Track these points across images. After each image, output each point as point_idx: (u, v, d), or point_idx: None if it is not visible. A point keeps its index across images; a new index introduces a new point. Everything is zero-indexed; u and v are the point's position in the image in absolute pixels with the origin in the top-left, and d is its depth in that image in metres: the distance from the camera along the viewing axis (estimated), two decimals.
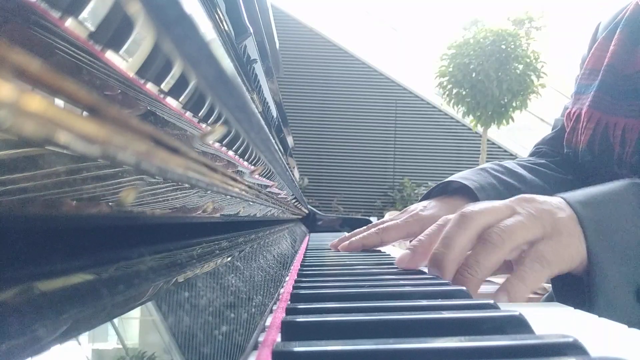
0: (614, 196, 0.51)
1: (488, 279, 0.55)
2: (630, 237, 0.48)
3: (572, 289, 0.51)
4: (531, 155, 0.98)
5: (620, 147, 0.73)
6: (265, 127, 0.35)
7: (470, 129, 5.21)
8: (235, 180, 0.33)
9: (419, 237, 0.55)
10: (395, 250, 0.86)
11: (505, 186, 0.79)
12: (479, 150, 4.90)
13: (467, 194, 0.78)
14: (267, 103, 0.59)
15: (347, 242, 0.78)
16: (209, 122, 0.22)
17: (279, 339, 0.27)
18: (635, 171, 0.71)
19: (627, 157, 0.72)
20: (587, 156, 0.78)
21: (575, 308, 0.46)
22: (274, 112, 0.69)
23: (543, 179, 0.84)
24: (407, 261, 0.54)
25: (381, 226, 0.77)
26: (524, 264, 0.46)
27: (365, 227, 0.82)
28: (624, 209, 0.50)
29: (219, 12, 0.31)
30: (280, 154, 0.59)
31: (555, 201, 0.51)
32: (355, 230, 0.83)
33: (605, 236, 0.48)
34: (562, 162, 0.90)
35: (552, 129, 0.97)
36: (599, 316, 0.43)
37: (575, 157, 0.82)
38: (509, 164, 0.88)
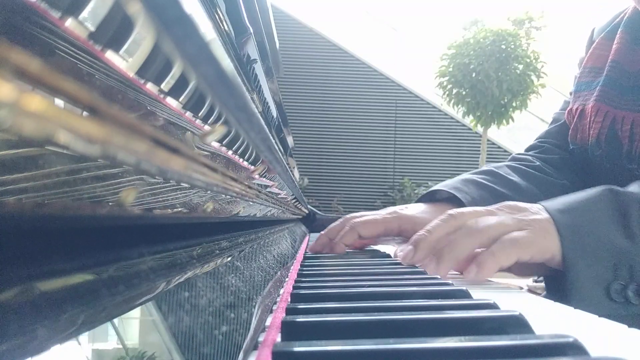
0: (589, 203, 0.57)
1: (489, 278, 0.56)
2: (602, 240, 0.53)
3: (555, 285, 0.57)
4: (531, 149, 0.96)
5: (629, 142, 0.73)
6: (265, 127, 0.35)
7: (470, 129, 5.21)
8: (235, 180, 0.33)
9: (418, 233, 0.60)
10: (393, 250, 0.86)
11: (497, 198, 0.78)
12: (479, 150, 4.90)
13: (457, 204, 0.77)
14: (267, 103, 0.59)
15: (328, 247, 0.77)
16: (209, 122, 0.22)
17: (279, 339, 0.27)
18: None
19: (636, 151, 0.72)
20: (596, 151, 0.78)
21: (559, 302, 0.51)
22: (274, 112, 0.69)
23: (537, 186, 0.84)
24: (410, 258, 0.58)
25: (357, 220, 0.76)
26: (496, 242, 0.53)
27: (339, 222, 0.80)
28: (598, 214, 0.55)
29: (219, 12, 0.31)
30: (281, 154, 0.59)
31: (535, 207, 0.58)
32: (329, 227, 0.81)
33: (579, 240, 0.53)
34: (561, 161, 0.89)
35: (552, 123, 0.96)
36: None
37: (582, 153, 0.82)
38: (503, 169, 0.87)
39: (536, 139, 0.98)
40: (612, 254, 0.53)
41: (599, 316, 0.36)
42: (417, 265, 0.58)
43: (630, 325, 0.33)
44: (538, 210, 0.57)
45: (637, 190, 0.57)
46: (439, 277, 0.48)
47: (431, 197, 0.85)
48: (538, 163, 0.90)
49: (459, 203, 0.77)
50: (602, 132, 0.77)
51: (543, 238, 0.53)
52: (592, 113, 0.78)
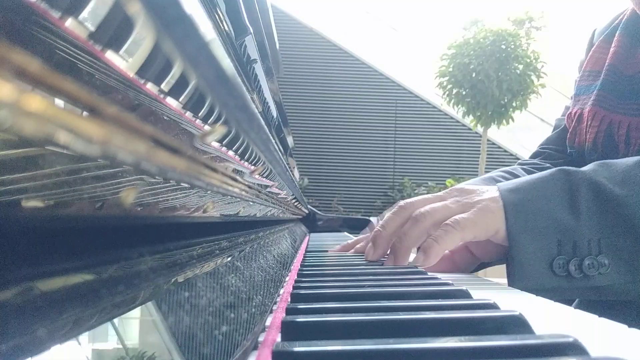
0: (539, 182, 0.59)
1: (488, 278, 0.58)
2: (547, 217, 0.56)
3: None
4: (535, 156, 0.97)
5: (625, 146, 0.74)
6: (265, 127, 0.35)
7: (470, 129, 5.21)
8: (235, 180, 0.33)
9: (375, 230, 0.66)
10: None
11: None
12: (479, 150, 4.90)
13: None
14: (267, 103, 0.59)
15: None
16: (209, 122, 0.22)
17: (279, 339, 0.27)
18: None
19: (632, 155, 0.73)
20: (593, 155, 0.78)
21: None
22: (274, 112, 0.69)
23: None
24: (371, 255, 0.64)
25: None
26: (438, 228, 0.56)
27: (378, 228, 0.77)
28: (546, 192, 0.58)
29: (219, 12, 0.31)
30: (280, 154, 0.59)
31: (484, 188, 0.61)
32: (357, 238, 0.82)
33: (523, 216, 0.56)
34: (566, 165, 0.90)
35: (554, 130, 0.97)
36: (515, 285, 0.50)
37: (579, 157, 0.82)
38: (517, 170, 0.88)
39: (539, 146, 0.98)
40: (557, 231, 0.55)
41: (541, 292, 0.37)
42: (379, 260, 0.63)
43: (569, 298, 0.34)
44: (486, 191, 0.60)
45: (589, 169, 0.59)
46: (439, 277, 0.48)
47: None
48: (548, 165, 0.90)
49: None
50: (599, 136, 0.77)
51: (485, 217, 0.56)
52: (589, 117, 0.79)
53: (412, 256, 0.60)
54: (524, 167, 0.91)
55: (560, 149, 0.92)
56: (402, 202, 0.63)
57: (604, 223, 0.55)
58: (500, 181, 0.82)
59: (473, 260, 0.64)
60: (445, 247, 0.56)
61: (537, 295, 0.44)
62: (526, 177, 0.61)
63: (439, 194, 0.63)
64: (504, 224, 0.56)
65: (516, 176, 0.85)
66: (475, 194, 0.60)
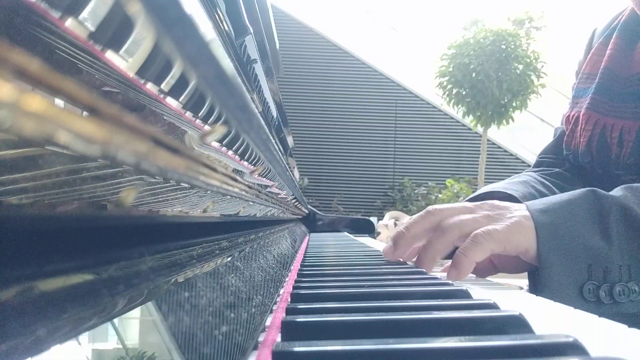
0: (570, 204, 0.58)
1: (488, 278, 0.58)
2: (578, 241, 0.54)
3: (534, 281, 0.58)
4: (537, 165, 0.96)
5: (618, 149, 0.74)
6: (265, 127, 0.35)
7: (470, 129, 5.21)
8: (235, 180, 0.33)
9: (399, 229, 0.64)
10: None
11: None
12: (479, 150, 4.90)
13: None
14: (267, 103, 0.59)
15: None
16: (209, 122, 0.22)
17: (279, 339, 0.27)
18: (632, 172, 0.72)
19: (624, 158, 0.73)
20: (586, 157, 0.79)
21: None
22: (274, 112, 0.69)
23: (562, 191, 0.84)
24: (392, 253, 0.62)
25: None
26: (468, 238, 0.54)
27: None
28: (577, 216, 0.56)
29: (219, 12, 0.31)
30: (280, 154, 0.59)
31: (515, 206, 0.59)
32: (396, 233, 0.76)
33: (555, 239, 0.55)
34: (569, 170, 0.89)
35: (553, 137, 0.96)
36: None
37: (575, 159, 0.82)
38: (534, 176, 0.86)
39: (538, 156, 0.98)
40: (588, 255, 0.54)
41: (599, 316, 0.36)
42: (407, 262, 0.62)
43: None
44: (518, 209, 0.58)
45: (619, 194, 0.58)
46: (439, 277, 0.48)
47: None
48: (558, 170, 0.90)
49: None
50: (592, 139, 0.78)
51: (518, 233, 0.55)
52: (583, 121, 0.79)
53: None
54: (542, 175, 0.89)
55: (558, 157, 0.92)
56: (430, 208, 0.61)
57: (634, 249, 0.54)
58: (530, 184, 0.80)
59: (492, 271, 0.63)
60: (475, 259, 0.54)
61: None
62: (555, 198, 0.60)
63: (468, 204, 0.60)
64: (535, 244, 0.54)
65: (543, 184, 0.84)
66: (507, 210, 0.58)
